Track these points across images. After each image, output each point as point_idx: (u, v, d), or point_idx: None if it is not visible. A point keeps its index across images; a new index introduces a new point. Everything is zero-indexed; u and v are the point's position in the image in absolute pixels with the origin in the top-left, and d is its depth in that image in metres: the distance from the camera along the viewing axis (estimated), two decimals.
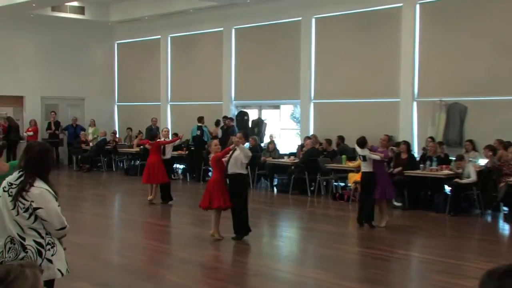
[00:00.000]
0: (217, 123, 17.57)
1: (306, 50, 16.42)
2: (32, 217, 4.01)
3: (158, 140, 13.18)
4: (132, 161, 19.32)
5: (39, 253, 4.05)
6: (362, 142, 10.21)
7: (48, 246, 4.10)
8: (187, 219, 11.22)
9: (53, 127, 20.16)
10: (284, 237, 10.04)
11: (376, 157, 10.04)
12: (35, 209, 3.99)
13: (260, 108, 18.46)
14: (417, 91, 14.34)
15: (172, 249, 8.92)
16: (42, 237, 4.07)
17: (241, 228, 8.86)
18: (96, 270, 7.44)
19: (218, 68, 18.72)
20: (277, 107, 18.29)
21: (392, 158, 12.43)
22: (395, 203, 12.23)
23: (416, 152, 13.76)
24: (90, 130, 20.65)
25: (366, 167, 10.17)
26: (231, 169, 8.75)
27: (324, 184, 14.39)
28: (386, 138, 10.96)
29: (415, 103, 14.38)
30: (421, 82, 14.28)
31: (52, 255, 4.12)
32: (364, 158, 10.14)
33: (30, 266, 2.28)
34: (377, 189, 10.09)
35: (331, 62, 16.04)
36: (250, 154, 8.92)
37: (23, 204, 3.98)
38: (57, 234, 4.13)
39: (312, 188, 14.32)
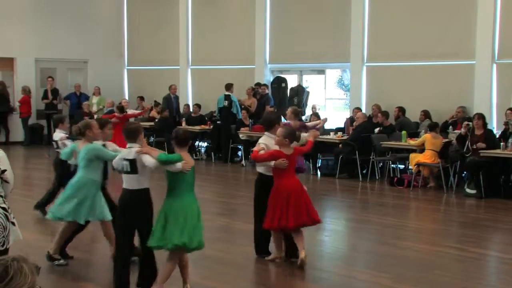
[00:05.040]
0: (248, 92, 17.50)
1: (358, 1, 16.20)
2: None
3: (126, 112, 15.40)
4: (146, 138, 19.43)
5: (7, 218, 4.74)
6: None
7: (9, 209, 4.83)
8: (212, 208, 11.21)
9: (50, 96, 20.40)
10: (329, 231, 9.97)
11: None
12: (3, 171, 4.64)
13: (300, 73, 18.35)
14: (498, 50, 14.08)
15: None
16: (4, 202, 4.77)
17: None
18: (102, 269, 7.50)
19: (250, 23, 18.63)
20: (321, 72, 18.17)
21: (467, 136, 12.21)
22: (468, 191, 12.07)
23: (495, 127, 13.55)
24: (95, 99, 20.83)
25: None
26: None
27: (380, 166, 14.32)
28: (291, 110, 10.64)
29: (495, 66, 14.15)
30: (503, 39, 14.02)
31: (14, 218, 4.89)
32: None
33: (24, 260, 2.57)
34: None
35: (389, 16, 15.82)
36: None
37: None
38: (9, 196, 4.85)
39: (364, 171, 14.30)
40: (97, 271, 7.45)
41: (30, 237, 8.61)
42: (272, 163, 7.32)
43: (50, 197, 10.15)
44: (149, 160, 6.05)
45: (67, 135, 9.96)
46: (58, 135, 9.86)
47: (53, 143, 10.09)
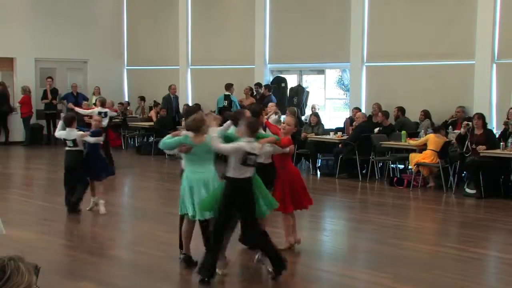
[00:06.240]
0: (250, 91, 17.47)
1: (358, 1, 16.19)
2: None
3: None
4: (145, 138, 19.46)
5: None
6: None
7: None
8: None
9: (49, 96, 20.39)
10: (328, 231, 10.00)
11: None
12: None
13: (300, 73, 18.33)
14: (497, 50, 14.07)
15: (193, 243, 8.93)
16: None
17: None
18: (102, 268, 7.51)
19: (250, 23, 18.61)
20: (321, 71, 18.15)
21: (466, 136, 12.19)
22: (468, 190, 12.06)
23: (495, 127, 13.54)
24: (94, 99, 20.81)
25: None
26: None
27: (379, 166, 14.32)
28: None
29: (494, 66, 14.13)
30: (503, 39, 14.00)
31: None
32: None
33: (21, 259, 2.55)
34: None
35: (389, 16, 15.81)
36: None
37: None
38: None
39: (364, 171, 14.28)
40: (97, 271, 7.45)
41: (30, 237, 8.62)
42: (288, 149, 7.80)
43: (81, 195, 10.22)
44: (271, 148, 7.14)
45: (89, 132, 10.12)
46: (74, 133, 9.99)
47: (68, 141, 10.15)
